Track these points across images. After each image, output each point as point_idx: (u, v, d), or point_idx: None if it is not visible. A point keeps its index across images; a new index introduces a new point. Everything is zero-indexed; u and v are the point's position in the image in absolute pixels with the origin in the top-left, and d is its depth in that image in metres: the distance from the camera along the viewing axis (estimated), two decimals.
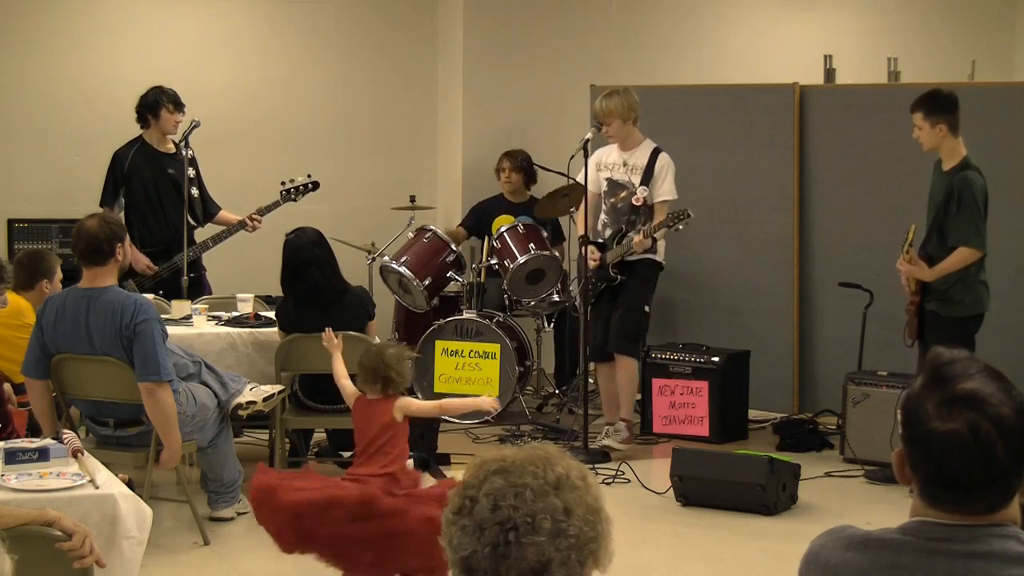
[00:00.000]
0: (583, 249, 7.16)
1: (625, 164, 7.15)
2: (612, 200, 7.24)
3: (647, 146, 7.15)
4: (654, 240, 7.04)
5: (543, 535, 1.82)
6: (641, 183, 7.11)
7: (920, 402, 2.04)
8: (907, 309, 6.47)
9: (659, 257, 7.21)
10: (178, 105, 7.52)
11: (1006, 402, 2.00)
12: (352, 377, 5.21)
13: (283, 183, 7.59)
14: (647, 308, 7.22)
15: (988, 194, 6.27)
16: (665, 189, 7.09)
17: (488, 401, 5.32)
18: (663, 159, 7.11)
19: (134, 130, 7.66)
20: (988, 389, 2.00)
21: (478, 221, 8.64)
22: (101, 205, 7.45)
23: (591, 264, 7.18)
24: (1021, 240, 7.15)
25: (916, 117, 6.33)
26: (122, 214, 7.46)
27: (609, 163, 7.22)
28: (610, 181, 7.23)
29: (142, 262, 7.32)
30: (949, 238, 6.27)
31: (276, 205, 7.54)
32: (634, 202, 7.11)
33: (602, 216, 7.33)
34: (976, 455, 1.98)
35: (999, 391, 2.01)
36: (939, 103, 6.28)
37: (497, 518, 1.82)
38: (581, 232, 7.33)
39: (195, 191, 7.61)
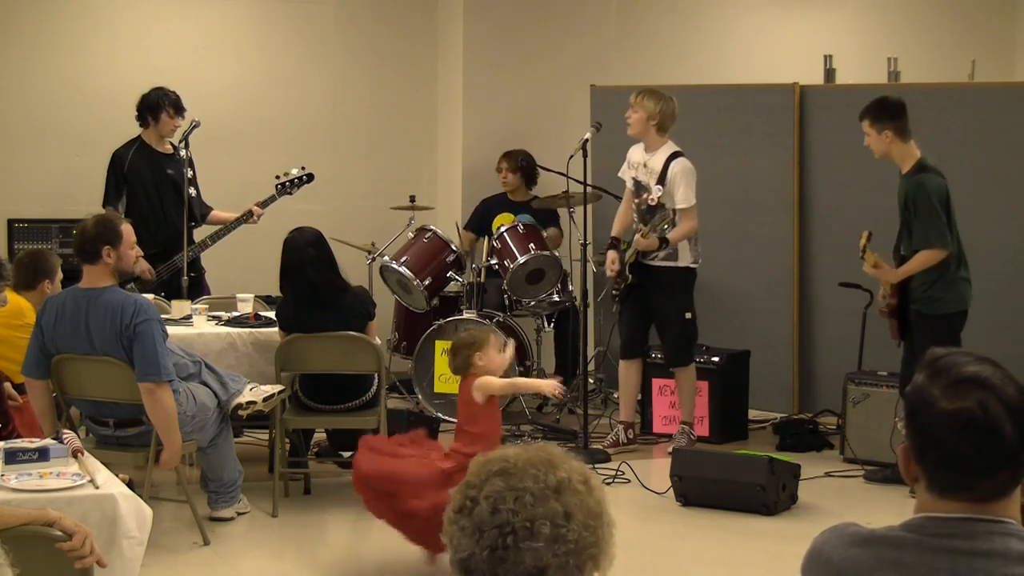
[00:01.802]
0: (610, 252, 7.17)
1: (645, 166, 7.14)
2: (637, 201, 7.22)
3: (666, 150, 7.09)
4: (664, 242, 6.98)
5: (541, 541, 1.80)
6: (657, 184, 7.08)
7: (926, 389, 2.07)
8: (881, 311, 6.51)
9: (683, 263, 7.09)
10: (179, 109, 7.52)
11: (1010, 384, 2.05)
12: None
13: (277, 177, 7.62)
14: (688, 315, 7.15)
15: (948, 191, 6.28)
16: (680, 196, 7.00)
17: (551, 384, 5.65)
18: (676, 166, 7.03)
19: (134, 130, 7.66)
20: (990, 372, 2.06)
21: (481, 220, 8.62)
22: (104, 205, 7.47)
23: (610, 272, 7.18)
24: (1019, 240, 7.15)
25: (864, 125, 6.38)
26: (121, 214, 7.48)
27: (635, 162, 7.21)
28: (636, 181, 7.22)
29: (142, 266, 7.31)
30: (913, 242, 6.30)
31: (272, 199, 7.57)
32: (650, 202, 7.09)
33: (632, 215, 7.30)
34: (986, 432, 2.01)
35: (1001, 374, 2.06)
36: (884, 110, 6.33)
37: (496, 521, 1.80)
38: (611, 232, 7.33)
39: (193, 191, 7.61)
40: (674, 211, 7.01)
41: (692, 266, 7.14)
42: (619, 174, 7.27)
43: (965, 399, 2.02)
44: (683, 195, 7.00)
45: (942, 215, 6.24)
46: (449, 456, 5.19)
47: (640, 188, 7.18)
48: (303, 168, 7.63)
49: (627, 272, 7.15)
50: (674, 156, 7.07)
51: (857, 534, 2.16)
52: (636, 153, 7.22)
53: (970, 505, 2.06)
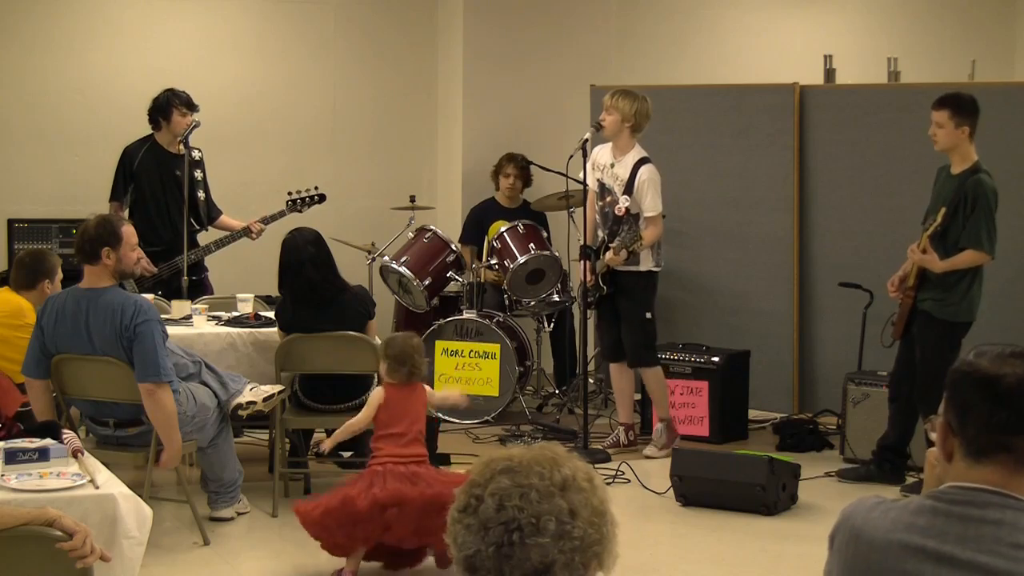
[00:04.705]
0: (582, 259, 7.17)
1: (612, 167, 7.14)
2: (601, 203, 7.24)
3: (634, 155, 7.09)
4: (631, 253, 7.00)
5: (547, 536, 1.81)
6: (623, 193, 7.09)
7: (971, 363, 2.17)
8: (903, 301, 6.45)
9: (644, 267, 7.12)
10: (190, 106, 7.52)
11: None
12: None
13: (289, 193, 7.61)
14: (648, 315, 7.18)
15: (998, 197, 6.28)
16: (648, 205, 7.02)
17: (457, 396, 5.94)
18: (643, 173, 7.02)
19: (134, 130, 7.66)
20: None
21: (477, 229, 8.58)
22: (111, 200, 7.48)
23: (589, 283, 7.18)
24: (1020, 240, 7.15)
25: (940, 115, 6.25)
26: (126, 211, 7.48)
27: (601, 164, 7.21)
28: (600, 183, 7.22)
29: (142, 265, 7.31)
30: (961, 239, 6.25)
31: (281, 215, 7.57)
32: (616, 212, 7.10)
33: (596, 217, 7.33)
34: None
35: None
36: (968, 105, 6.26)
37: (502, 518, 1.82)
38: (583, 236, 7.32)
39: (201, 194, 7.60)
40: (638, 215, 7.04)
41: (654, 270, 7.18)
42: (579, 177, 7.21)
43: (1014, 367, 2.13)
44: (650, 203, 7.02)
45: (994, 220, 6.23)
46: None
47: (604, 191, 7.19)
48: (316, 188, 7.64)
49: (600, 283, 7.17)
50: (641, 163, 7.06)
51: (881, 500, 2.28)
52: (603, 155, 7.22)
53: (1001, 473, 2.13)
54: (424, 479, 5.08)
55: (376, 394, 5.34)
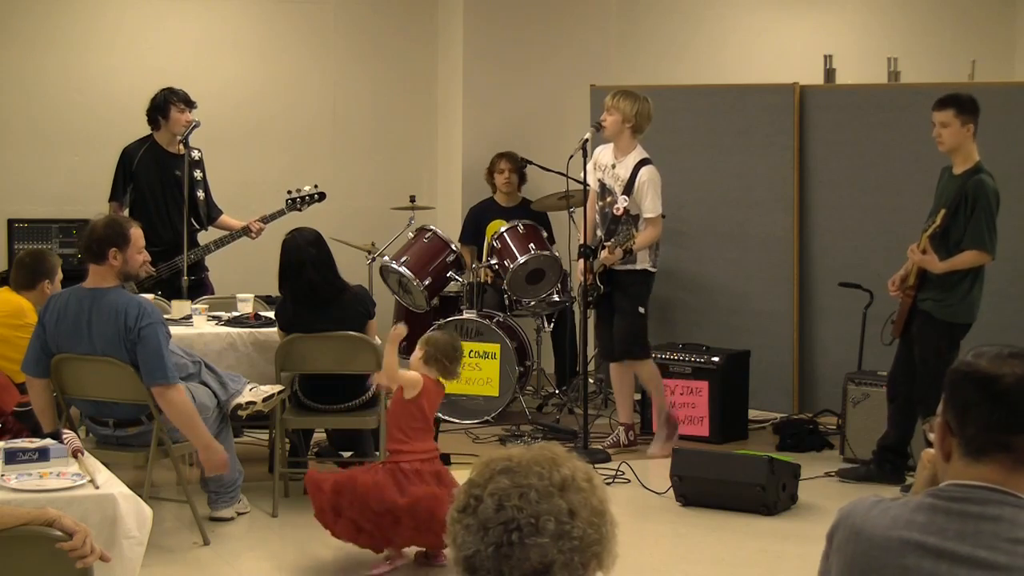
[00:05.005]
0: (580, 261, 7.17)
1: (613, 168, 7.14)
2: (601, 204, 7.24)
3: (635, 156, 7.09)
4: (629, 252, 6.99)
5: (546, 536, 1.82)
6: (623, 193, 7.09)
7: (970, 364, 2.19)
8: (903, 299, 6.44)
9: (642, 265, 7.12)
10: (188, 103, 7.51)
11: None
12: None
13: (289, 192, 7.61)
14: (641, 310, 7.18)
15: (1000, 198, 6.28)
16: (647, 206, 7.02)
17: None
18: (644, 174, 7.03)
19: (134, 130, 7.66)
20: None
21: (476, 229, 8.61)
22: (111, 200, 7.48)
23: (588, 282, 7.18)
24: (1020, 240, 7.15)
25: (945, 115, 6.25)
26: (126, 211, 7.48)
27: (603, 164, 7.21)
28: (601, 184, 7.22)
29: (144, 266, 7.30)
30: (964, 240, 6.25)
31: (281, 213, 7.56)
32: (615, 212, 7.10)
33: (596, 217, 7.33)
34: None
35: None
36: (970, 103, 6.27)
37: (501, 518, 1.82)
38: (582, 236, 7.33)
39: (201, 194, 7.60)
40: (637, 216, 7.03)
41: (650, 269, 7.19)
42: (581, 175, 7.23)
43: (1014, 367, 2.15)
44: (650, 204, 7.02)
45: (995, 221, 6.24)
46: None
47: (605, 191, 7.19)
48: (316, 186, 7.63)
49: (598, 282, 7.17)
50: (642, 164, 7.06)
51: (880, 499, 2.30)
52: (604, 155, 7.22)
53: (1000, 471, 2.15)
54: (453, 485, 5.05)
55: (416, 376, 5.27)
